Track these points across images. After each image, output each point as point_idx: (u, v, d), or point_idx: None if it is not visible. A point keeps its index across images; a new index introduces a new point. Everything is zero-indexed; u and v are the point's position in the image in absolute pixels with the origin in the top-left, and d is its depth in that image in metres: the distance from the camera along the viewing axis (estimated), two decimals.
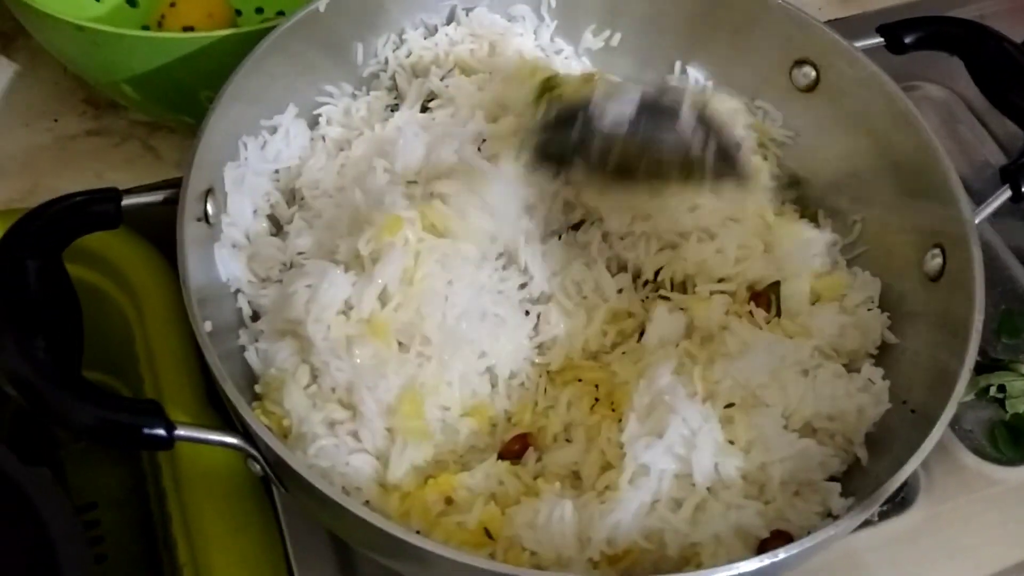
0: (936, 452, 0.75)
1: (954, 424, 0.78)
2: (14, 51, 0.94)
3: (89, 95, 0.91)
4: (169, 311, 0.78)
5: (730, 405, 0.64)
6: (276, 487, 0.62)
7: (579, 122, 0.63)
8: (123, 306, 0.80)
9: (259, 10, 0.95)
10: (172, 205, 0.62)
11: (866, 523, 0.72)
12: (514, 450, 0.65)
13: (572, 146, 0.64)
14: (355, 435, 0.62)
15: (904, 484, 0.72)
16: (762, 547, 0.59)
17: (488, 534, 0.60)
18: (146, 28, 0.90)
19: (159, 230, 0.82)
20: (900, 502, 0.74)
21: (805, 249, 0.71)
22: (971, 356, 0.60)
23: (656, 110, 0.63)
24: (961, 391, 0.59)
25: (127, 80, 0.77)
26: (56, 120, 0.90)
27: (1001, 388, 0.79)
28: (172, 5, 0.89)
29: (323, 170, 0.72)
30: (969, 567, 0.72)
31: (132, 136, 0.89)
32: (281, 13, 0.73)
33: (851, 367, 0.69)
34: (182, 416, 0.72)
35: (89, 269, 0.79)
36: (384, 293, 0.63)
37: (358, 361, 0.61)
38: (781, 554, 0.53)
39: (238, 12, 0.94)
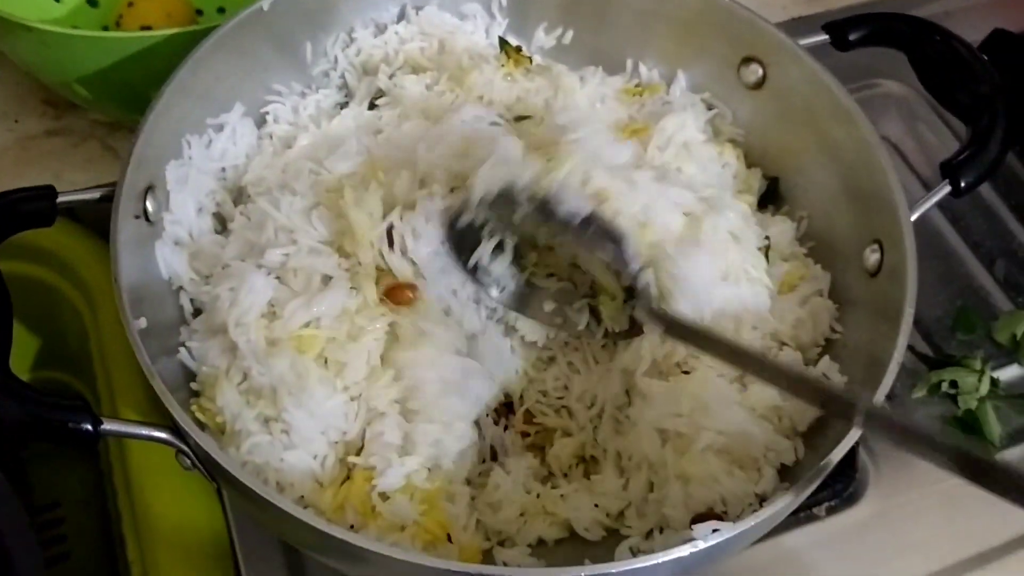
0: (886, 447, 0.76)
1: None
2: None
3: (49, 96, 0.91)
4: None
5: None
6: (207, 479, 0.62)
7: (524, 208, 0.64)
8: (77, 304, 0.81)
9: (221, 10, 0.96)
10: (110, 203, 0.62)
11: (813, 518, 0.73)
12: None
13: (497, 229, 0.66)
14: (287, 432, 0.62)
15: (850, 476, 0.74)
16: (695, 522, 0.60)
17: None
18: (106, 28, 0.91)
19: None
20: (848, 497, 0.74)
21: None
22: (900, 349, 0.61)
23: (604, 226, 0.64)
24: (889, 384, 0.60)
25: (79, 80, 0.77)
26: (17, 121, 0.91)
27: (953, 384, 0.79)
28: (130, 5, 0.90)
29: (268, 167, 0.72)
30: (917, 562, 0.72)
31: (92, 136, 0.90)
32: None
33: (805, 359, 0.69)
34: (132, 413, 0.74)
35: (44, 267, 0.80)
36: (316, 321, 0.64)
37: (276, 371, 0.62)
38: (712, 539, 0.54)
39: (199, 12, 0.94)
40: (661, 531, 0.62)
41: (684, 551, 0.54)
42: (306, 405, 0.61)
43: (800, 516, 0.72)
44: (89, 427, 0.54)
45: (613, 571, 0.52)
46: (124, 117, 0.87)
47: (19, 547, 0.67)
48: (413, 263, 0.65)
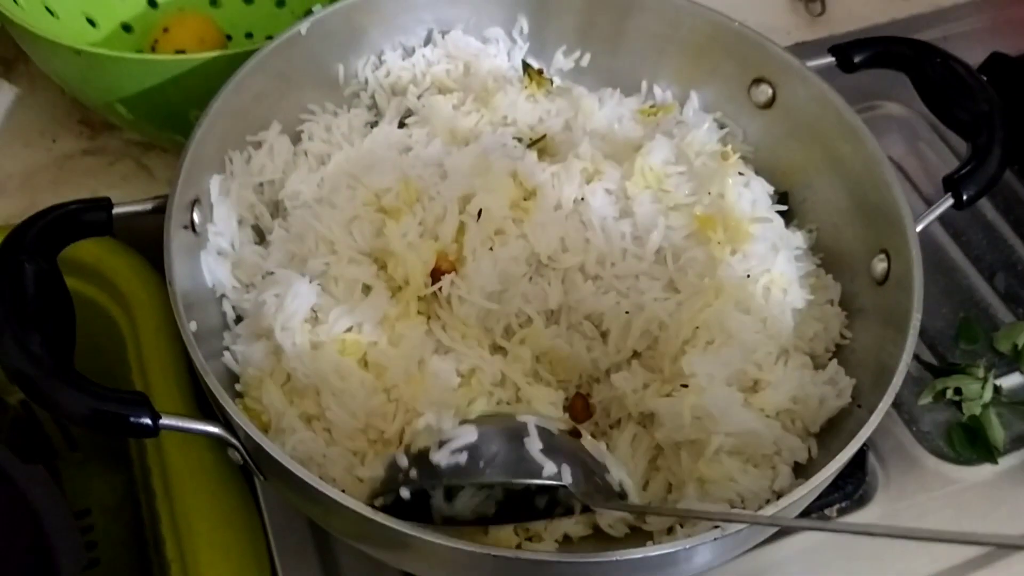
0: (895, 452, 0.79)
1: (912, 426, 0.81)
2: (15, 75, 0.98)
3: (85, 116, 0.95)
4: (159, 321, 0.81)
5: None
6: (256, 477, 0.65)
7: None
8: (116, 316, 0.84)
9: (249, 35, 1.00)
10: (160, 215, 0.66)
11: (824, 520, 0.76)
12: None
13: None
14: (329, 430, 0.65)
15: (860, 479, 0.76)
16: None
17: None
18: (140, 52, 0.95)
19: (151, 244, 0.86)
20: (858, 499, 0.77)
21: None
22: (908, 352, 0.63)
23: (501, 442, 0.59)
24: (898, 385, 0.63)
25: (121, 101, 0.81)
26: (54, 140, 0.94)
27: (958, 391, 0.82)
28: (165, 31, 0.93)
29: (304, 182, 0.76)
30: (925, 563, 0.74)
31: (126, 155, 0.93)
32: (270, 38, 0.78)
33: (815, 365, 0.72)
34: (176, 437, 0.76)
35: (84, 281, 0.83)
36: (360, 327, 0.67)
37: (320, 373, 0.65)
38: (734, 527, 0.56)
39: (228, 37, 0.98)
40: (682, 526, 0.64)
41: (708, 538, 0.56)
42: (348, 405, 0.64)
43: (811, 517, 0.75)
44: (149, 421, 0.57)
45: (639, 556, 0.55)
46: (159, 137, 0.91)
47: (64, 548, 0.70)
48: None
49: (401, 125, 0.81)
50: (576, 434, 0.62)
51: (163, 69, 0.78)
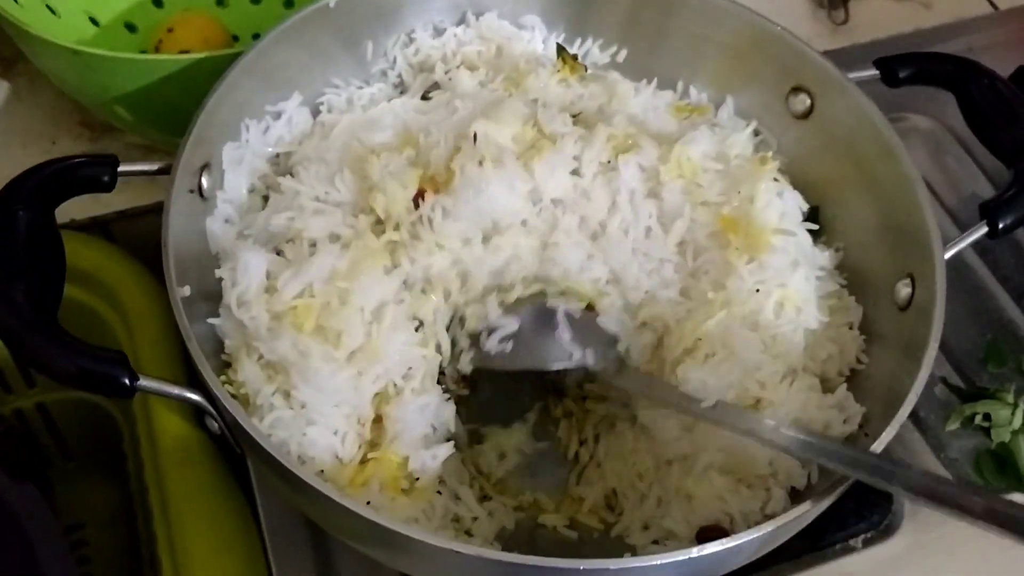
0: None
1: (940, 453, 0.78)
2: (14, 75, 0.95)
3: (86, 118, 0.92)
4: (159, 330, 0.79)
5: None
6: (235, 450, 0.64)
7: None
8: (113, 324, 0.81)
9: (256, 36, 0.96)
10: (167, 175, 0.65)
11: (849, 550, 0.73)
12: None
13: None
14: (305, 407, 0.63)
15: (886, 508, 0.74)
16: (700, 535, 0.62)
17: None
18: (144, 53, 0.92)
19: (152, 250, 0.84)
20: (884, 529, 0.74)
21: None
22: (919, 383, 0.61)
23: (537, 321, 0.68)
24: (903, 417, 0.60)
25: (121, 102, 0.78)
26: (54, 142, 0.91)
27: (987, 417, 0.79)
28: (170, 31, 0.91)
29: (315, 149, 0.74)
30: None
31: (127, 158, 0.90)
32: None
33: (824, 388, 0.69)
34: (172, 433, 0.74)
35: (81, 289, 0.80)
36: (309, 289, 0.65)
37: (280, 351, 0.63)
38: (708, 549, 0.54)
39: (235, 38, 0.96)
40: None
41: (680, 556, 0.54)
42: (313, 382, 0.62)
43: (837, 548, 0.72)
44: (126, 380, 0.57)
45: (611, 567, 0.53)
46: (161, 140, 0.88)
47: (55, 571, 0.68)
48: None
49: (424, 98, 0.79)
50: (591, 309, 0.69)
51: (162, 69, 0.75)
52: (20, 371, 0.90)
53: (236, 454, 0.66)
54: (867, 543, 0.73)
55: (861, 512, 0.73)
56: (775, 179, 0.72)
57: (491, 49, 0.80)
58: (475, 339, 0.68)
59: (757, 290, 0.67)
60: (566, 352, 0.67)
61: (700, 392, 0.64)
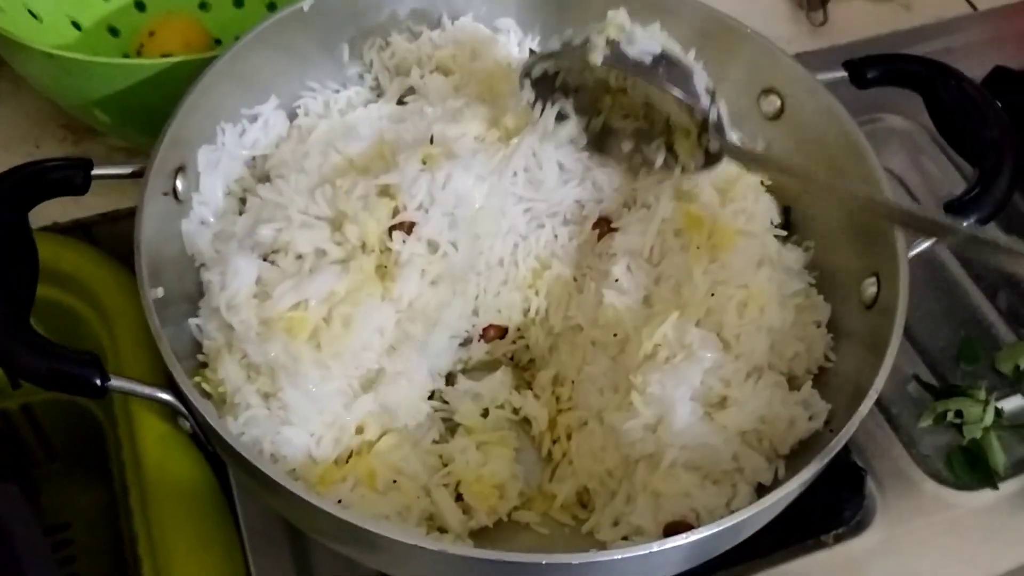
0: (893, 476, 0.77)
1: (912, 449, 0.79)
2: None
3: (68, 121, 0.93)
4: (140, 331, 0.79)
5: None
6: (207, 447, 0.65)
7: (592, 48, 0.68)
8: (95, 327, 0.82)
9: (238, 38, 0.97)
10: (140, 178, 0.66)
11: (821, 545, 0.74)
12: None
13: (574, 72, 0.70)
14: (284, 410, 0.64)
15: (858, 503, 0.75)
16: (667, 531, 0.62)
17: None
18: (127, 56, 0.93)
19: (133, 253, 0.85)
20: (856, 525, 0.75)
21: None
22: (880, 379, 0.62)
23: (673, 64, 0.68)
24: (863, 412, 0.61)
25: (99, 105, 0.78)
26: (37, 146, 0.92)
27: (959, 414, 0.80)
28: (151, 34, 0.91)
29: (292, 153, 0.75)
30: None
31: (109, 161, 0.90)
32: None
33: (792, 385, 0.70)
34: (152, 434, 0.75)
35: (62, 291, 0.81)
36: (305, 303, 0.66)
37: (271, 355, 0.64)
38: (669, 543, 0.55)
39: (218, 41, 0.96)
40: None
41: (642, 550, 0.55)
42: (301, 386, 0.63)
43: (808, 544, 0.73)
44: (97, 381, 0.57)
45: (573, 562, 0.54)
46: (143, 143, 0.88)
47: (36, 568, 0.68)
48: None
49: (400, 103, 0.80)
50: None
51: (139, 72, 0.76)
52: (4, 372, 0.91)
53: (216, 454, 0.66)
54: (839, 539, 0.74)
55: (833, 508, 0.73)
56: (762, 183, 0.73)
57: (466, 52, 0.80)
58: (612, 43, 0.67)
59: (712, 294, 0.68)
60: (696, 95, 0.68)
61: (660, 395, 0.65)
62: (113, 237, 0.89)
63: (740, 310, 0.67)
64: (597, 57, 0.67)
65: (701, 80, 0.69)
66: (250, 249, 0.69)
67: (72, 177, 0.65)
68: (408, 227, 0.68)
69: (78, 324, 0.82)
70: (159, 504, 0.72)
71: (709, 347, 0.66)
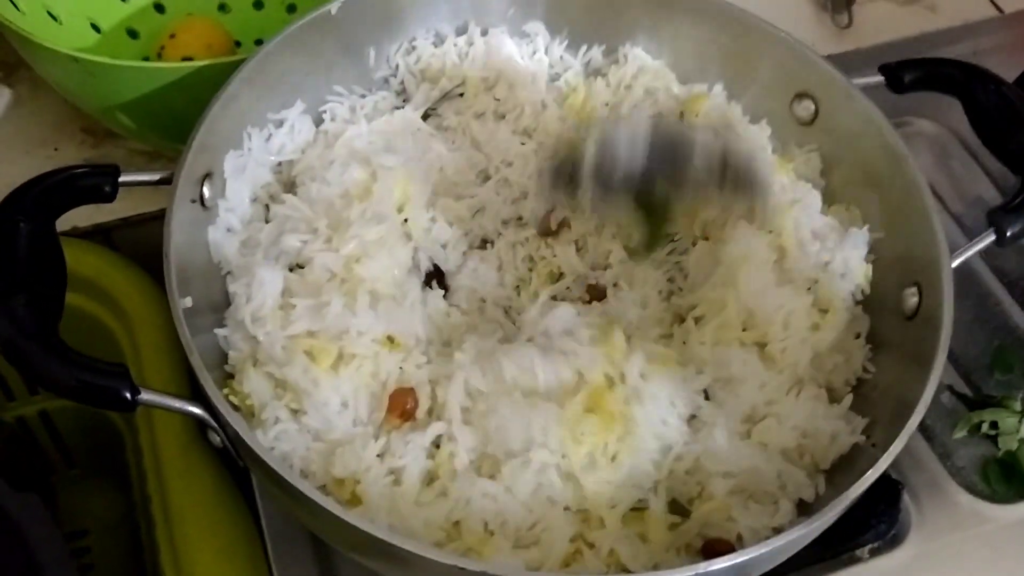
0: (928, 489, 0.76)
1: (946, 461, 0.78)
2: (16, 81, 0.95)
3: (88, 124, 0.92)
4: (162, 339, 0.78)
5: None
6: (238, 462, 0.63)
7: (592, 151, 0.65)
8: (116, 332, 0.81)
9: (259, 41, 0.96)
10: (168, 185, 0.65)
11: (856, 560, 0.72)
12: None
13: (585, 172, 0.66)
14: (311, 431, 0.63)
15: (894, 517, 0.73)
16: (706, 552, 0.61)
17: None
18: (147, 59, 0.92)
19: (154, 256, 0.84)
20: (891, 539, 0.73)
21: None
22: (928, 394, 0.60)
23: (669, 143, 0.65)
24: (913, 427, 0.59)
25: (122, 109, 0.78)
26: (56, 149, 0.91)
27: (994, 425, 0.79)
28: (172, 36, 0.90)
29: (318, 159, 0.74)
30: None
31: (130, 165, 0.89)
32: None
33: (831, 398, 0.69)
34: (170, 440, 0.74)
35: (82, 295, 0.80)
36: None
37: (292, 376, 0.62)
38: (716, 564, 0.53)
39: (237, 43, 0.95)
40: None
41: (686, 572, 0.53)
42: (322, 412, 0.62)
43: (843, 559, 0.72)
44: (128, 394, 0.56)
45: None
46: (164, 146, 0.87)
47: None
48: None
49: (426, 116, 0.79)
50: None
51: (164, 76, 0.75)
52: (23, 378, 0.90)
53: (237, 464, 0.65)
54: (874, 553, 0.72)
55: (868, 522, 0.72)
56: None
57: (493, 75, 0.80)
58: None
59: (744, 329, 0.67)
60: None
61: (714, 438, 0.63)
62: (134, 242, 0.88)
63: (786, 321, 0.66)
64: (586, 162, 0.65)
65: (704, 153, 0.66)
66: (275, 259, 0.68)
67: (100, 184, 0.65)
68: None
69: (99, 331, 0.81)
70: (182, 514, 0.71)
71: (752, 367, 0.65)
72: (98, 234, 0.86)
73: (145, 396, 0.57)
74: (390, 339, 0.65)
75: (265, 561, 0.71)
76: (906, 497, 0.75)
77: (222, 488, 0.73)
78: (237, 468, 0.73)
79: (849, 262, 0.71)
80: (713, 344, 0.66)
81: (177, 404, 0.59)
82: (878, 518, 0.73)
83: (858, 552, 0.72)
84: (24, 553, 0.67)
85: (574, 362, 0.63)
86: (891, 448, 0.58)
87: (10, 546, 0.67)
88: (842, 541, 0.71)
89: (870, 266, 0.72)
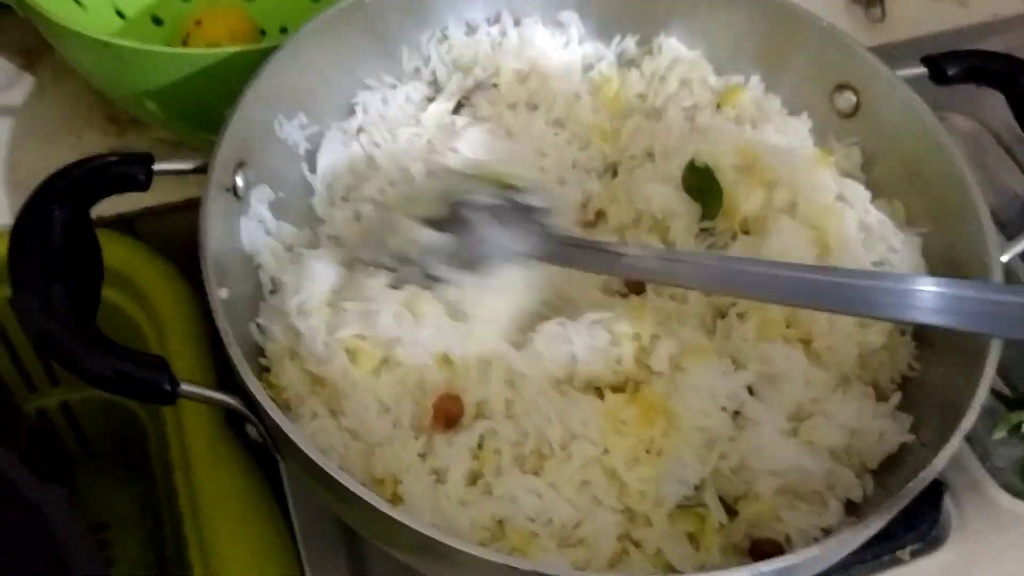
0: (968, 490, 0.74)
1: (986, 461, 0.76)
2: (39, 68, 0.94)
3: (112, 112, 0.90)
4: (188, 331, 0.77)
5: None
6: (275, 455, 0.62)
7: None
8: (142, 325, 0.80)
9: (283, 29, 0.95)
10: (203, 174, 0.63)
11: (897, 561, 0.71)
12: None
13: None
14: (350, 430, 0.61)
15: (935, 518, 0.72)
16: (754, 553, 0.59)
17: None
18: (171, 46, 0.90)
19: (179, 247, 0.83)
20: (932, 540, 0.72)
21: None
22: (981, 392, 0.59)
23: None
24: (966, 428, 0.58)
25: (151, 96, 0.76)
26: (80, 137, 0.89)
27: None
28: (197, 23, 0.89)
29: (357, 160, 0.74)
30: None
31: (155, 154, 0.89)
32: None
33: (877, 395, 0.67)
34: (198, 432, 0.73)
35: (109, 287, 0.78)
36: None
37: (331, 377, 0.61)
38: (770, 565, 0.52)
39: (262, 32, 0.94)
40: None
41: (742, 573, 0.52)
42: (361, 415, 0.60)
43: (884, 560, 0.70)
44: (167, 387, 0.55)
45: None
46: (189, 135, 0.86)
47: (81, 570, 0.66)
48: None
49: (458, 106, 0.78)
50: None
51: (195, 63, 0.74)
52: (44, 369, 0.89)
53: (264, 455, 0.64)
54: (915, 554, 0.71)
55: (909, 523, 0.71)
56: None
57: (526, 66, 0.78)
58: None
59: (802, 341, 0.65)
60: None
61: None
62: (157, 232, 0.87)
63: (831, 318, 0.64)
64: None
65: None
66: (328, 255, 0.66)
67: (134, 173, 0.63)
68: None
69: (124, 321, 0.80)
70: (211, 509, 0.70)
71: (797, 365, 0.63)
72: (121, 223, 0.85)
73: (185, 388, 0.55)
74: (446, 359, 0.63)
75: (295, 556, 0.69)
76: (947, 498, 0.73)
77: (251, 482, 0.72)
78: (264, 460, 0.72)
79: (902, 267, 0.69)
80: (756, 340, 0.64)
81: (216, 396, 0.57)
82: (920, 519, 0.72)
83: (899, 553, 0.71)
84: (50, 547, 0.65)
85: (610, 326, 0.62)
86: (945, 448, 0.56)
87: (35, 539, 0.65)
88: (883, 542, 0.70)
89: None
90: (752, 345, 0.64)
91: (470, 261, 0.63)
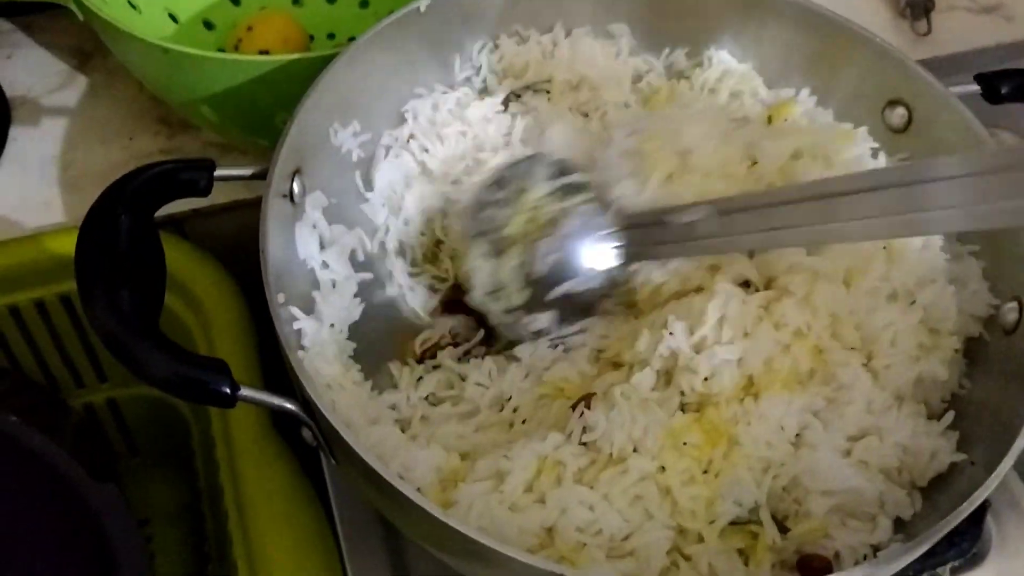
0: (1009, 506, 0.74)
1: None
2: (91, 69, 0.95)
3: (163, 115, 0.92)
4: (235, 329, 0.78)
5: None
6: (327, 459, 0.63)
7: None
8: (190, 325, 0.81)
9: (331, 36, 0.97)
10: (261, 180, 0.65)
11: None
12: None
13: None
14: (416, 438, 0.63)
15: (976, 534, 0.72)
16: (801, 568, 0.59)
17: None
18: (221, 51, 0.92)
19: (225, 246, 0.84)
20: (972, 557, 0.72)
21: None
22: None
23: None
24: (1020, 447, 0.58)
25: (206, 101, 0.77)
26: (131, 139, 0.91)
27: None
28: (249, 29, 0.90)
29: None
30: None
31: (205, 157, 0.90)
32: (353, 39, 0.75)
33: (929, 414, 0.67)
34: (242, 433, 0.74)
35: None
36: None
37: None
38: None
39: (311, 38, 0.95)
40: None
41: None
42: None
43: None
44: (228, 390, 0.56)
45: None
46: (242, 139, 0.87)
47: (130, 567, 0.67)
48: None
49: (507, 102, 0.78)
50: None
51: (251, 70, 0.75)
52: (92, 366, 0.91)
53: (306, 453, 0.66)
54: (955, 571, 0.71)
55: (951, 540, 0.71)
56: None
57: (577, 78, 0.79)
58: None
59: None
60: None
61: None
62: (204, 233, 0.88)
63: (893, 339, 0.65)
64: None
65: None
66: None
67: (197, 179, 0.64)
68: None
69: (173, 321, 0.81)
70: (256, 506, 0.71)
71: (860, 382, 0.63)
72: (170, 224, 0.87)
73: (244, 392, 0.56)
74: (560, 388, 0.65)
75: (338, 554, 0.70)
76: (988, 515, 0.73)
77: (295, 480, 0.72)
78: (308, 459, 0.73)
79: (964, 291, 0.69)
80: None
81: (275, 401, 0.58)
82: (962, 536, 0.71)
83: (939, 570, 0.71)
84: (100, 543, 0.67)
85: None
86: (999, 468, 0.56)
87: (87, 536, 0.67)
88: (925, 559, 0.70)
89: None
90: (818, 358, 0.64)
91: (572, 313, 0.68)
